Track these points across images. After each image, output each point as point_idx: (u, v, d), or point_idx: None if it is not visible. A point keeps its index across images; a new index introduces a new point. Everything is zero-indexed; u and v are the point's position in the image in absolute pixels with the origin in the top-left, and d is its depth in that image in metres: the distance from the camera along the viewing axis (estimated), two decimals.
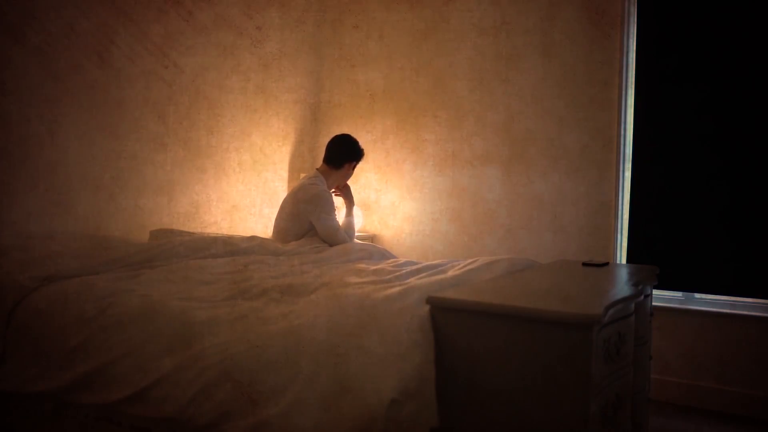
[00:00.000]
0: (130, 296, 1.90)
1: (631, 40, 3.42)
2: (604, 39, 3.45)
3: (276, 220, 3.15)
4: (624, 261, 3.45)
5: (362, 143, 4.13)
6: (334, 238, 3.00)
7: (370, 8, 4.15)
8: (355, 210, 4.07)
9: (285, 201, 3.13)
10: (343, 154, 3.21)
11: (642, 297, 2.04)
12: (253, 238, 2.80)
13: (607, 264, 2.41)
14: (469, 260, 2.36)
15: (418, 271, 2.28)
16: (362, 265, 2.48)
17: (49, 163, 2.71)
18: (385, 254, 2.91)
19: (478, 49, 3.80)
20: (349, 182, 3.34)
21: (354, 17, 4.21)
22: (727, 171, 3.18)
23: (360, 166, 4.16)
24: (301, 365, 1.53)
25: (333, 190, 3.30)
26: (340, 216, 3.32)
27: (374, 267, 2.43)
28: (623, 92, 3.41)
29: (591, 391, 1.40)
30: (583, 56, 3.51)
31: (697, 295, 3.31)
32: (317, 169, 3.22)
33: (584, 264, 2.40)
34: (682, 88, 3.28)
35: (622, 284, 1.96)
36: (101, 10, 2.88)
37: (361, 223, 4.08)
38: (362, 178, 4.17)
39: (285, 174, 4.04)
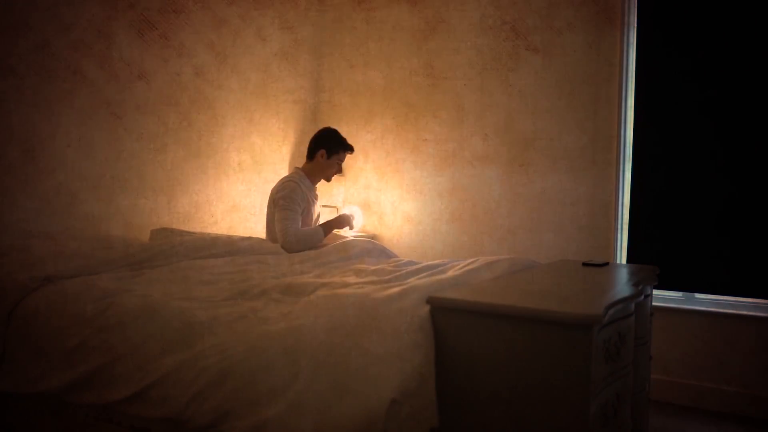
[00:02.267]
0: (130, 296, 1.90)
1: (631, 40, 3.42)
2: (604, 39, 3.45)
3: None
4: (624, 261, 3.45)
5: (362, 143, 4.17)
6: (281, 233, 2.86)
7: (369, 8, 4.15)
8: (355, 209, 4.06)
9: None
10: (316, 143, 3.18)
11: (642, 297, 2.04)
12: (249, 238, 2.81)
13: (607, 264, 2.41)
14: (470, 260, 2.36)
15: (418, 271, 2.28)
16: (362, 265, 2.48)
17: (49, 163, 2.71)
18: (384, 251, 2.90)
19: (478, 49, 3.80)
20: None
21: (354, 17, 4.21)
22: (727, 171, 3.18)
23: (360, 167, 4.18)
24: (301, 365, 1.53)
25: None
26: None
27: (374, 267, 2.43)
28: (623, 92, 3.41)
29: (591, 391, 1.40)
30: (583, 56, 3.51)
31: (697, 295, 3.31)
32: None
33: (584, 264, 2.40)
34: (682, 88, 3.28)
35: (622, 284, 1.96)
36: (101, 10, 2.88)
37: (361, 223, 4.08)
38: (362, 179, 4.17)
39: (285, 174, 4.03)
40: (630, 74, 3.42)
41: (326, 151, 3.13)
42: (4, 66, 2.54)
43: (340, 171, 3.24)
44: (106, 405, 1.74)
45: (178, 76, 3.27)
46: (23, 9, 2.59)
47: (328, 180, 3.25)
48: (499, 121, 3.75)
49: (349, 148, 3.19)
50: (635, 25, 3.40)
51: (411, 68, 4.02)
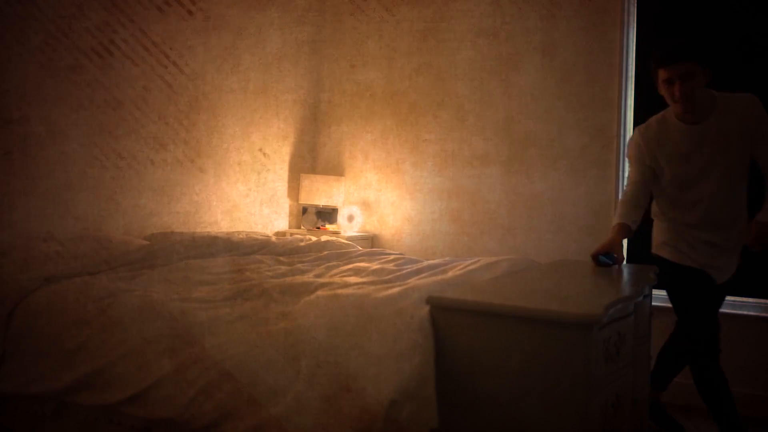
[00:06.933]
0: (129, 296, 1.90)
1: (631, 41, 3.42)
2: (604, 39, 3.45)
3: None
4: (624, 261, 3.44)
5: (362, 143, 4.18)
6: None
7: (370, 8, 4.15)
8: (354, 210, 4.04)
9: None
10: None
11: (642, 297, 2.04)
12: (240, 233, 2.81)
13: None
14: (471, 260, 2.36)
15: (419, 271, 2.28)
16: (363, 264, 2.48)
17: (49, 163, 2.71)
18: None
19: (478, 49, 3.80)
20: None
21: (354, 17, 4.20)
22: None
23: (360, 167, 4.18)
24: (301, 365, 1.53)
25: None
26: None
27: (374, 267, 2.43)
28: (623, 92, 3.41)
29: (591, 391, 1.40)
30: (583, 56, 3.51)
31: None
32: None
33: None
34: None
35: (622, 284, 1.96)
36: (101, 10, 2.88)
37: (360, 222, 4.08)
38: (362, 179, 4.17)
39: (285, 174, 4.03)
40: (630, 74, 3.43)
41: (653, 68, 2.43)
42: (4, 65, 2.54)
43: (679, 90, 2.33)
44: (106, 406, 1.74)
45: (178, 76, 3.27)
46: (23, 9, 2.59)
47: (678, 107, 2.40)
48: (499, 121, 3.75)
49: (659, 62, 2.36)
50: (635, 25, 3.40)
51: (411, 68, 4.02)
